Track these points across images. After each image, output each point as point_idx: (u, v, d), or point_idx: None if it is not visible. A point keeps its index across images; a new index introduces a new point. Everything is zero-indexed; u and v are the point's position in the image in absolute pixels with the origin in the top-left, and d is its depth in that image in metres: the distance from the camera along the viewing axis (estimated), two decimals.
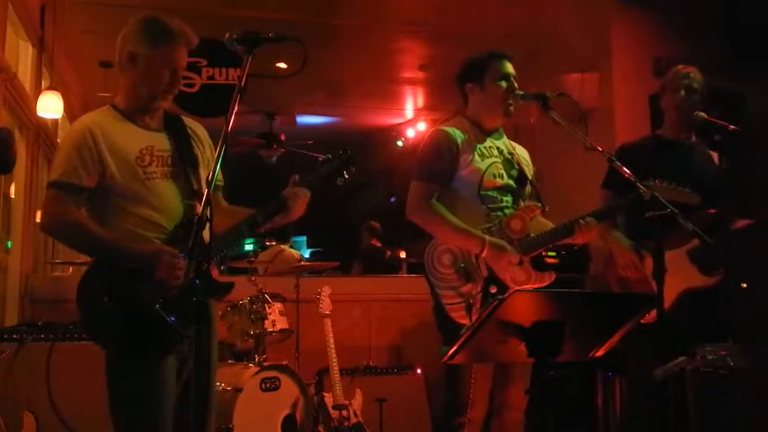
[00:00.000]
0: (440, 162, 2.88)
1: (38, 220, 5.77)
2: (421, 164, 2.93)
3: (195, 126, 2.63)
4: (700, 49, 4.97)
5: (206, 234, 2.02)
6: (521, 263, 2.79)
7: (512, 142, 3.10)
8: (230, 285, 2.43)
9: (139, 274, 2.27)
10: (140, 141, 2.44)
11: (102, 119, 2.45)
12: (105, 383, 2.34)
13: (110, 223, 2.38)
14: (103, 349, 2.34)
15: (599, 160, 2.82)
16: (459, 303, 2.73)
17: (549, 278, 2.83)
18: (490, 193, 2.88)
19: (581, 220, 2.82)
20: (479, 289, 2.73)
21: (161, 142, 2.48)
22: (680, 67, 3.47)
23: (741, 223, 3.28)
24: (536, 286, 2.79)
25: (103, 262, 2.38)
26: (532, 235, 2.85)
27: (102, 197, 2.39)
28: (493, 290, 2.72)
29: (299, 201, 2.52)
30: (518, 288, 2.75)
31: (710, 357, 2.85)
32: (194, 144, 2.56)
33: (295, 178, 2.57)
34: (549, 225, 2.92)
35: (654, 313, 2.55)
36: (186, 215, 2.41)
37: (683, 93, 3.38)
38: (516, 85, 2.95)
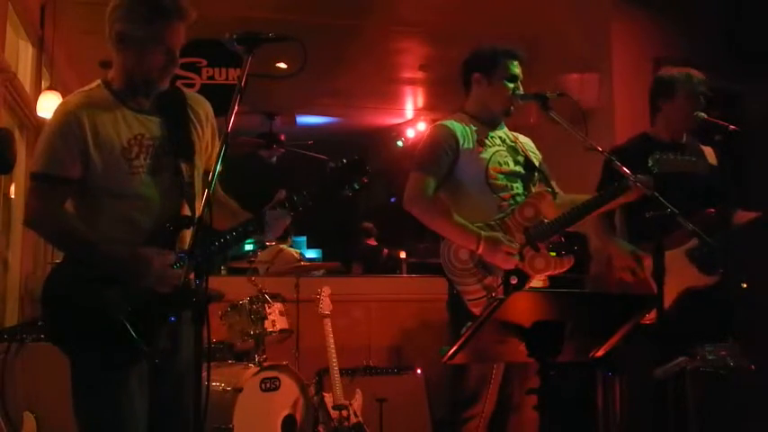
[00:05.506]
0: (439, 154, 2.89)
1: None
2: (420, 156, 2.96)
3: (198, 103, 2.39)
4: (700, 49, 4.97)
5: (188, 237, 1.87)
6: (525, 253, 2.77)
7: (513, 132, 3.10)
8: (216, 296, 2.25)
9: (111, 279, 2.10)
10: (130, 129, 2.20)
11: (91, 102, 2.20)
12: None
13: (89, 219, 2.19)
14: (66, 356, 2.14)
15: (599, 160, 2.82)
16: (482, 297, 2.71)
17: (568, 263, 2.82)
18: (498, 181, 2.89)
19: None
20: (500, 281, 2.73)
21: (152, 129, 2.24)
22: (694, 72, 3.38)
23: (743, 216, 3.25)
24: (557, 272, 2.80)
25: (74, 261, 2.20)
26: (546, 221, 2.84)
27: (83, 190, 2.19)
28: (513, 281, 2.70)
29: (278, 225, 2.25)
30: (539, 275, 2.77)
31: (710, 357, 2.85)
32: (192, 128, 2.32)
33: (281, 194, 2.28)
34: (581, 198, 2.91)
35: (654, 313, 2.56)
36: (170, 213, 2.21)
37: (702, 100, 3.34)
38: (521, 87, 2.97)
